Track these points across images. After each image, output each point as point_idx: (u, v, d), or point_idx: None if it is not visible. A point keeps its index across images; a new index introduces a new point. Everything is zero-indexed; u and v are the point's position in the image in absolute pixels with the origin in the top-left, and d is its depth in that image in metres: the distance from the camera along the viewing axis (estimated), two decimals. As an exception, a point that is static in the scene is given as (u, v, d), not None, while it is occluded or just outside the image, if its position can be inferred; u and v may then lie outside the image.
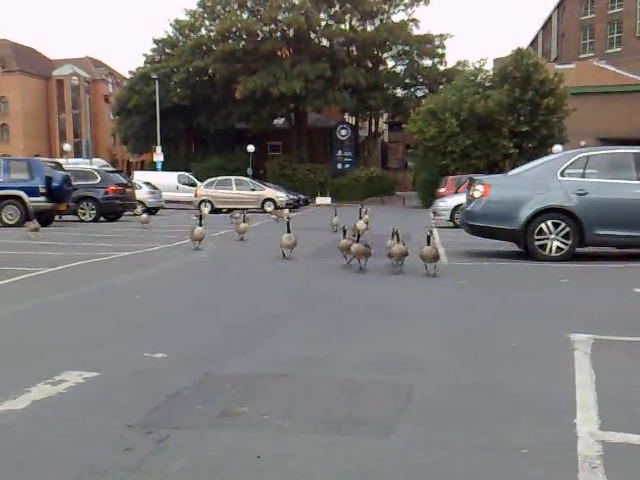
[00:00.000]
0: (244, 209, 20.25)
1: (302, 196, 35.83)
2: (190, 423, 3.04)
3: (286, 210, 21.68)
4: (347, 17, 46.96)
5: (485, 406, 3.29)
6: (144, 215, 17.86)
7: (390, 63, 49.60)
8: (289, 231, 9.70)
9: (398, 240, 8.32)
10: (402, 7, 46.73)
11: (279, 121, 48.78)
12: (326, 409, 3.24)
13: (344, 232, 8.82)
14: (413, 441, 2.83)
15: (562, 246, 9.57)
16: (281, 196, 30.98)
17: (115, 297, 6.84)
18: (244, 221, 13.63)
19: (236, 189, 30.17)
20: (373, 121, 53.24)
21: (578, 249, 9.70)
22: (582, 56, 51.09)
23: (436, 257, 8.14)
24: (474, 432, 2.94)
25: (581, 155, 10.03)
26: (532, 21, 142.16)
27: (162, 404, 3.29)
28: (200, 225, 11.38)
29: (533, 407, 3.27)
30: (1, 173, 17.43)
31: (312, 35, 45.83)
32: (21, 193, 17.06)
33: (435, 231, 15.75)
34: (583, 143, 30.54)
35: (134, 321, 5.53)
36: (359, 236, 8.47)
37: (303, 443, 2.80)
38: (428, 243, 8.07)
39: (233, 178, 31.42)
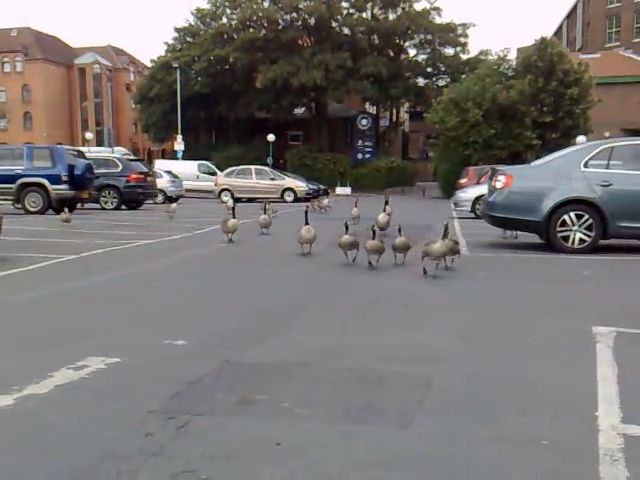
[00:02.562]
0: (264, 199, 20.16)
1: (322, 186, 35.80)
2: (210, 410, 3.06)
3: (326, 200, 20.35)
4: (369, 5, 46.66)
5: (505, 398, 3.27)
6: (173, 205, 17.00)
7: (412, 52, 49.31)
8: (307, 222, 9.05)
9: (380, 230, 7.83)
10: (424, -5, 46.31)
11: (299, 110, 48.70)
12: (345, 398, 3.24)
13: (346, 228, 8.02)
14: (431, 432, 2.83)
15: (585, 238, 9.45)
16: (301, 186, 30.98)
17: (136, 284, 6.90)
18: (265, 212, 12.71)
19: (256, 178, 30.24)
20: (394, 111, 53.02)
21: (601, 241, 9.59)
22: (608, 45, 50.29)
23: (455, 251, 7.64)
24: (493, 424, 2.92)
25: (605, 146, 9.88)
26: (556, 10, 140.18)
27: (183, 390, 3.31)
28: (234, 217, 10.81)
29: (554, 399, 3.25)
30: (24, 161, 17.66)
31: (333, 24, 45.64)
32: (44, 181, 17.26)
33: (456, 222, 15.68)
34: (607, 134, 30.12)
35: (155, 308, 5.57)
36: (374, 232, 7.66)
37: (322, 431, 2.81)
38: (445, 237, 7.34)
39: (253, 167, 31.48)
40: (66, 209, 13.33)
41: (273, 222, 12.92)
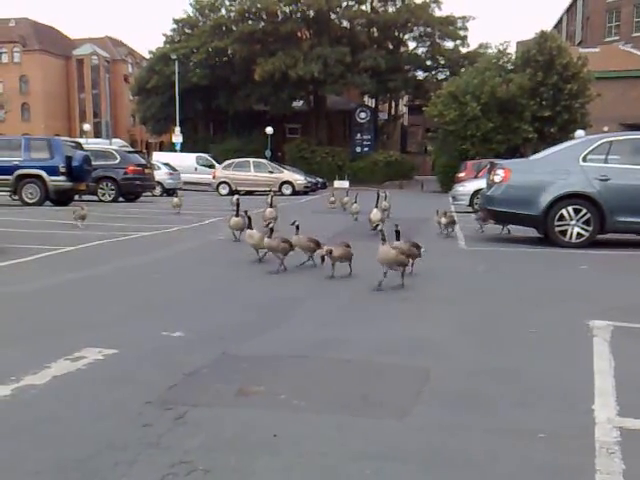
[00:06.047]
0: (263, 192, 19.88)
1: (320, 179, 35.76)
2: (208, 401, 3.06)
3: (346, 197, 16.71)
4: (368, -2, 46.43)
5: (502, 391, 3.28)
6: (175, 199, 15.84)
7: (411, 45, 49.11)
8: (250, 226, 7.66)
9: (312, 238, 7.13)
10: (424, -12, 46.07)
11: (298, 103, 48.57)
12: (342, 390, 3.24)
13: (249, 219, 7.34)
14: (428, 423, 2.83)
15: (583, 232, 9.47)
16: (299, 179, 30.94)
17: (133, 276, 6.89)
18: (271, 205, 11.55)
19: (254, 171, 30.18)
20: (393, 104, 52.86)
21: (598, 236, 9.59)
22: (607, 40, 50.13)
23: (400, 263, 6.02)
24: (490, 416, 2.93)
25: (604, 140, 9.88)
26: (557, 3, 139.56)
27: (180, 382, 3.32)
28: (237, 215, 9.41)
29: (551, 392, 3.25)
30: (22, 152, 17.59)
31: (332, 16, 45.45)
32: (41, 172, 17.20)
33: (455, 216, 15.63)
34: (606, 128, 30.06)
35: (152, 300, 5.57)
36: (376, 226, 6.92)
37: (319, 423, 2.81)
38: (397, 238, 6.43)
39: (251, 160, 31.41)
40: (84, 205, 12.37)
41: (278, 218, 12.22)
